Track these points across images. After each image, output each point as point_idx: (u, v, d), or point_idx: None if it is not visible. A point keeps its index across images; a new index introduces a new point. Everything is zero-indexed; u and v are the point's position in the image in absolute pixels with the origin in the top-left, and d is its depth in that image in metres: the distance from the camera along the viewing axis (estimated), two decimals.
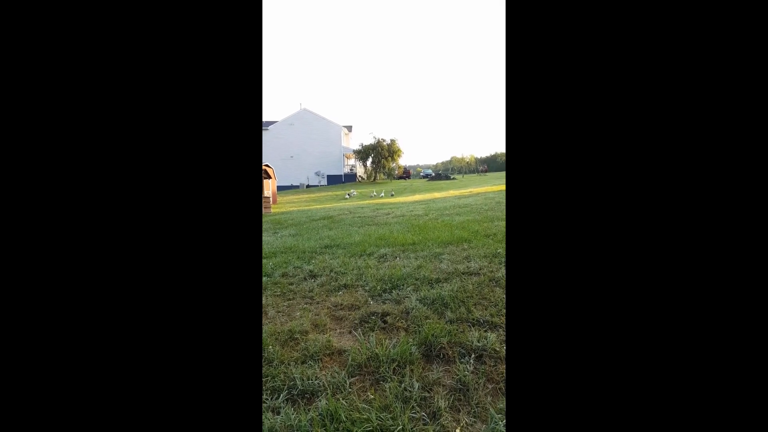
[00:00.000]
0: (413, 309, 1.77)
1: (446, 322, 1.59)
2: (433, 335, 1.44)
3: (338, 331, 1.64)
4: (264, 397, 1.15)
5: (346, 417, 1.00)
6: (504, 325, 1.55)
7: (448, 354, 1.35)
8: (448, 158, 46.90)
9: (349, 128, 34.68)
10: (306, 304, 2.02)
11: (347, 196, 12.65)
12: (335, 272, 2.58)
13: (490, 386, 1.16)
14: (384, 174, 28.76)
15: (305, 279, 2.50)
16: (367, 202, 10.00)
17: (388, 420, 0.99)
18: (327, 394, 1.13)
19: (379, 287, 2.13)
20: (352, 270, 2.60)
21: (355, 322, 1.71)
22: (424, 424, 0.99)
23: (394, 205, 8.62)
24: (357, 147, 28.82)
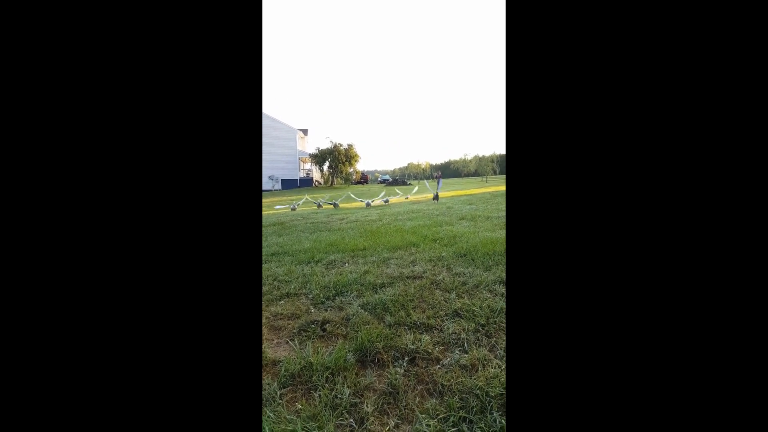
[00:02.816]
0: (354, 315, 1.78)
1: (385, 327, 1.62)
2: (369, 340, 1.46)
3: (275, 341, 1.60)
4: None
5: (271, 429, 0.98)
6: (438, 327, 1.62)
7: (383, 358, 1.38)
8: (405, 164, 47.89)
9: (305, 132, 34.05)
10: None
11: (292, 209, 9.87)
12: (279, 281, 2.51)
13: (419, 387, 1.20)
14: (341, 179, 28.59)
15: None
16: (309, 208, 9.80)
17: (314, 429, 0.99)
18: None
19: (322, 295, 2.11)
20: (297, 278, 2.55)
21: (294, 331, 1.68)
22: (351, 430, 1.00)
23: (349, 210, 8.60)
24: (313, 151, 28.40)
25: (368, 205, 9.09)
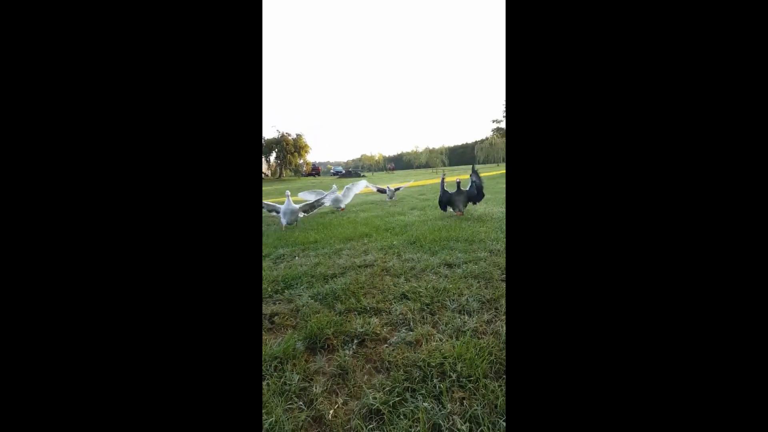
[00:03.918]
0: (304, 306, 1.79)
1: (335, 314, 1.66)
2: (319, 328, 1.49)
3: None
4: None
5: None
6: (387, 310, 1.70)
7: (332, 343, 1.42)
8: (359, 156, 47.65)
9: None
10: None
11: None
12: None
13: (367, 366, 1.27)
14: (291, 171, 27.70)
15: None
16: (272, 200, 9.43)
17: (262, 415, 1.00)
18: None
19: (270, 288, 2.08)
20: None
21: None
22: (300, 411, 1.03)
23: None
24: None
25: (391, 197, 6.75)
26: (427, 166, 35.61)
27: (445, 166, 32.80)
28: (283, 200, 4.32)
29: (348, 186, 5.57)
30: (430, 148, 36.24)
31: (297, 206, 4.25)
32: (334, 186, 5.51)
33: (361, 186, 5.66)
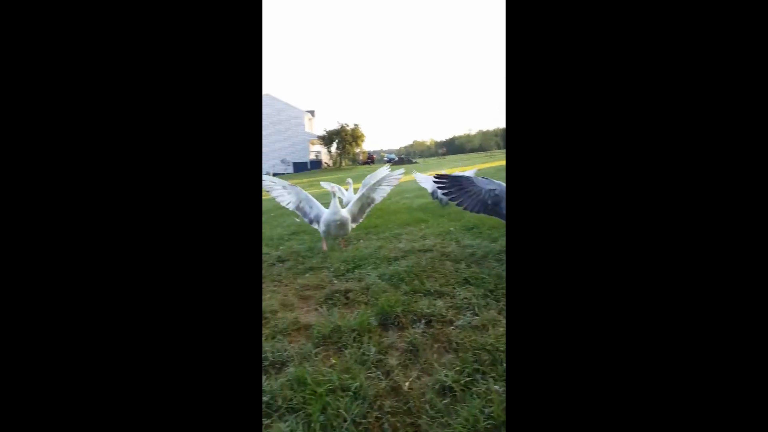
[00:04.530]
0: (373, 285, 1.93)
1: (401, 294, 1.77)
2: (389, 306, 1.62)
3: (305, 309, 1.77)
4: None
5: (312, 380, 1.15)
6: (451, 294, 1.76)
7: (402, 321, 1.54)
8: (410, 142, 47.16)
9: (312, 113, 33.68)
10: (275, 286, 2.12)
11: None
12: (302, 256, 2.68)
13: (436, 346, 1.36)
14: (349, 160, 28.51)
15: (274, 264, 2.59)
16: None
17: (348, 380, 1.15)
18: (295, 362, 1.27)
19: (342, 268, 2.27)
20: (318, 254, 2.71)
21: (321, 300, 1.84)
22: (379, 380, 1.16)
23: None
24: (321, 133, 28.20)
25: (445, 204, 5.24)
26: (480, 149, 34.02)
27: (499, 148, 31.04)
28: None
29: (368, 184, 3.05)
30: (484, 130, 34.48)
31: (345, 213, 2.69)
32: (349, 180, 4.24)
33: (394, 178, 3.05)
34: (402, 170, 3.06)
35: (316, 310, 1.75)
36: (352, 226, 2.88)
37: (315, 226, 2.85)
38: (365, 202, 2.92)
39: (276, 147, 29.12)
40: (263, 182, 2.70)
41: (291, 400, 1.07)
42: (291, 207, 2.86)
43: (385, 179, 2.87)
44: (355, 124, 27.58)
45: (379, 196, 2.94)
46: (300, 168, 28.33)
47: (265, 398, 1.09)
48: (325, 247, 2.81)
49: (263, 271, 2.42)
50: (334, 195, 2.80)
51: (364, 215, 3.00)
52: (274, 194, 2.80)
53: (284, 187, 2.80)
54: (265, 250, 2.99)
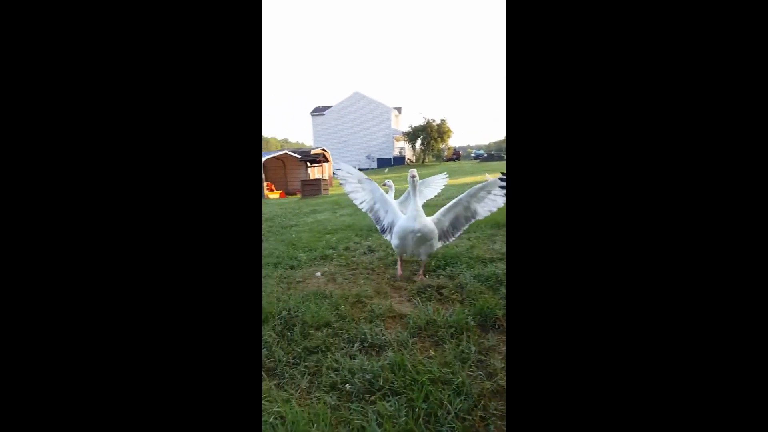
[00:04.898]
0: (467, 284, 1.87)
1: (500, 298, 1.67)
2: (488, 308, 1.54)
3: (398, 299, 1.81)
4: (342, 344, 1.36)
5: (411, 368, 1.16)
6: None
7: (503, 325, 1.45)
8: (502, 137, 44.36)
9: (399, 110, 34.36)
10: (368, 274, 2.22)
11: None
12: (392, 248, 2.75)
13: None
14: (433, 156, 28.28)
15: (365, 253, 2.71)
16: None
17: (448, 374, 1.13)
18: (393, 348, 1.30)
19: (433, 263, 2.25)
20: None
21: (413, 292, 1.86)
22: (482, 380, 1.11)
23: (446, 187, 8.55)
24: (406, 129, 28.55)
25: None
26: None
27: None
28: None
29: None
30: None
31: (430, 223, 1.96)
32: (388, 182, 3.19)
33: (437, 185, 2.94)
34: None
35: (409, 301, 1.77)
36: (438, 244, 2.02)
37: (388, 237, 2.10)
38: (462, 213, 2.06)
39: (362, 143, 30.59)
40: (339, 172, 2.20)
41: (392, 383, 1.10)
42: (364, 208, 2.22)
43: (490, 186, 1.97)
44: (442, 120, 27.20)
45: (484, 209, 2.03)
46: (384, 163, 29.25)
47: (366, 377, 1.14)
48: (400, 271, 2.09)
49: (356, 259, 2.56)
50: (413, 192, 1.97)
51: (459, 233, 2.10)
52: (347, 189, 2.22)
53: (359, 181, 2.19)
54: (355, 239, 3.15)
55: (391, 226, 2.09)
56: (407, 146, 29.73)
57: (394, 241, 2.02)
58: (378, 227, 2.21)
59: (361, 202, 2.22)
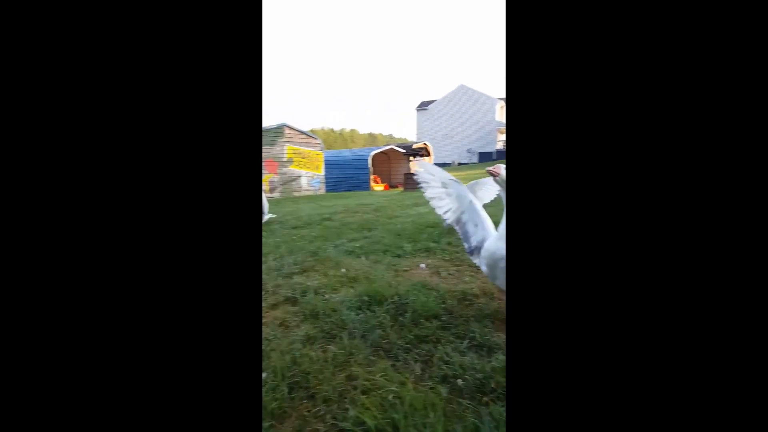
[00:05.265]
0: None
1: None
2: None
3: (504, 301, 1.72)
4: (451, 338, 1.38)
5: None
6: None
7: None
8: None
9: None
10: (472, 272, 2.18)
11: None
12: None
13: None
14: None
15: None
16: None
17: None
18: (504, 351, 1.25)
19: None
20: None
21: None
22: None
23: None
24: None
25: None
26: None
27: None
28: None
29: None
30: None
31: None
32: (485, 180, 2.57)
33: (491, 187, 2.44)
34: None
35: None
36: None
37: (477, 262, 1.58)
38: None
39: (465, 136, 29.60)
40: (420, 172, 1.73)
41: (505, 388, 1.06)
42: (449, 219, 1.68)
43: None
44: None
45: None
46: (485, 157, 27.78)
47: (478, 376, 1.13)
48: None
49: (459, 255, 2.52)
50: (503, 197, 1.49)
51: None
52: (428, 195, 1.70)
53: (444, 184, 1.67)
54: (457, 235, 3.09)
55: (479, 246, 1.54)
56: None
57: (484, 269, 1.52)
58: (465, 246, 1.63)
59: (446, 212, 1.66)
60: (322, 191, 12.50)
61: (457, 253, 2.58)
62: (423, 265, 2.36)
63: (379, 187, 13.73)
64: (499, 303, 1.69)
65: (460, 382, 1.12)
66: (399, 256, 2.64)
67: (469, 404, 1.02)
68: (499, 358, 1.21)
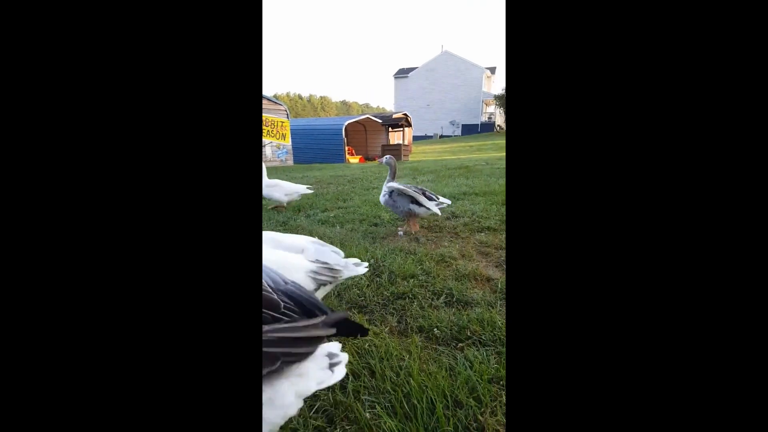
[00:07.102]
0: None
1: None
2: None
3: (484, 263, 1.78)
4: (428, 295, 1.42)
5: (501, 325, 1.16)
6: None
7: None
8: None
9: (493, 70, 31.46)
10: (452, 238, 2.22)
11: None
12: (477, 216, 2.67)
13: None
14: None
15: (448, 218, 2.69)
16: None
17: None
18: (482, 306, 1.31)
19: None
20: (495, 216, 2.64)
21: (501, 259, 1.81)
22: None
23: None
24: (499, 92, 26.18)
25: None
26: None
27: None
28: None
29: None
30: None
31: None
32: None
33: None
34: None
35: (497, 267, 1.73)
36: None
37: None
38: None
39: (448, 107, 29.09)
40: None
41: (481, 336, 1.12)
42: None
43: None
44: None
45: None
46: (469, 130, 27.62)
47: (454, 328, 1.18)
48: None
49: (438, 223, 2.56)
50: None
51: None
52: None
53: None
54: None
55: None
56: (498, 111, 27.40)
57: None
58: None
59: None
60: (290, 162, 11.88)
61: (437, 221, 2.61)
62: (401, 232, 2.38)
63: (354, 160, 13.20)
64: (477, 264, 1.75)
65: (436, 331, 1.16)
66: (376, 225, 2.64)
67: (445, 350, 1.07)
68: (477, 311, 1.27)
